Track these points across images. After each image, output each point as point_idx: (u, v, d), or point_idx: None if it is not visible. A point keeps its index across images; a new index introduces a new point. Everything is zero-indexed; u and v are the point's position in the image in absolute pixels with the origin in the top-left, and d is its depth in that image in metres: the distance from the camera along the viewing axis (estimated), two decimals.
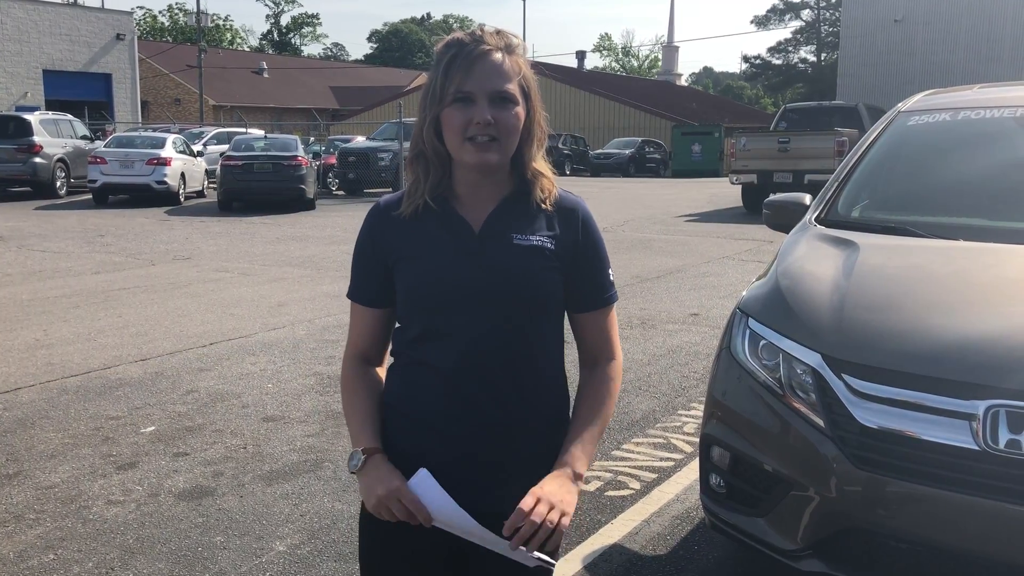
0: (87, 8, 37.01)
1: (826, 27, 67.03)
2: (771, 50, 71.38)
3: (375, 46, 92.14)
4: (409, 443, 1.70)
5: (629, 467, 4.51)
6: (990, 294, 2.92)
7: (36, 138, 19.88)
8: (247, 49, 75.95)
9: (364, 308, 1.79)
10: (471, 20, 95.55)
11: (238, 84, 51.82)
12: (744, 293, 3.30)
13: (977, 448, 2.40)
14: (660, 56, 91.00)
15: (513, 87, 1.65)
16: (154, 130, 25.89)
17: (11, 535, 3.69)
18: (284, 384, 5.91)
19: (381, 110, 46.28)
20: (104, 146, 20.64)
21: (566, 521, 1.59)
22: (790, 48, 69.91)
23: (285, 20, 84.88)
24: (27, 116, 20.93)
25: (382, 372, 1.83)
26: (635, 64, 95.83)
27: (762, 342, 2.95)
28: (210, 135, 27.78)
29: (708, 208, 19.49)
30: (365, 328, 1.80)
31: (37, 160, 19.83)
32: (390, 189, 21.15)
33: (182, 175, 20.06)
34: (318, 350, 6.79)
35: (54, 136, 20.67)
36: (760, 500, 2.86)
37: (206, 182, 21.91)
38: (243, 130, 27.33)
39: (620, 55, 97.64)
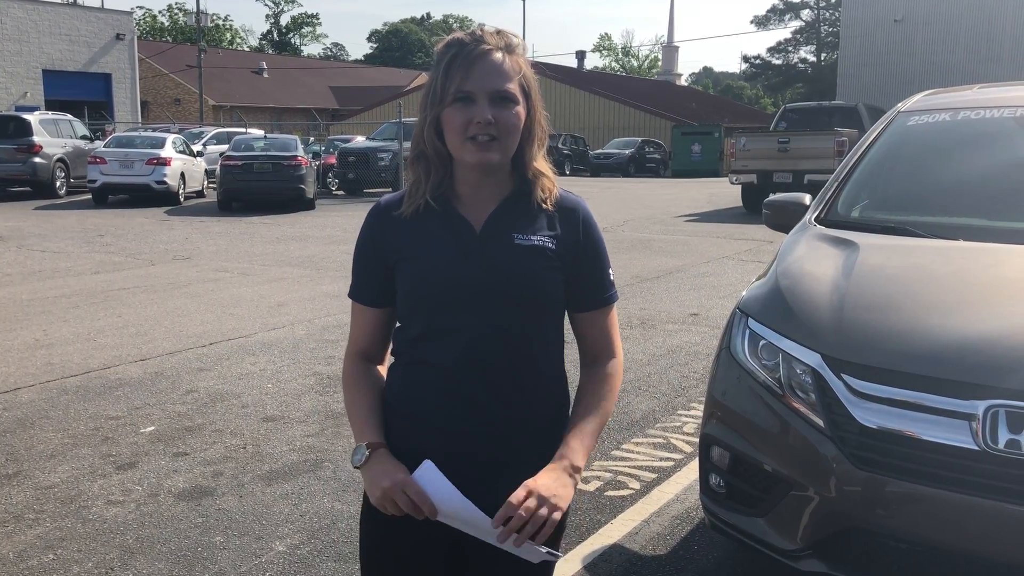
0: (87, 8, 37.01)
1: (826, 27, 67.07)
2: (771, 50, 71.52)
3: (375, 46, 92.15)
4: (410, 442, 1.70)
5: (629, 467, 4.51)
6: (990, 294, 2.92)
7: (36, 138, 19.89)
8: (247, 49, 75.97)
9: (365, 307, 1.79)
10: (471, 20, 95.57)
11: (238, 84, 51.82)
12: (744, 293, 3.30)
13: (977, 448, 2.40)
14: (660, 56, 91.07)
15: (513, 86, 1.65)
16: (154, 130, 25.89)
17: (11, 535, 3.69)
18: (284, 384, 5.91)
19: (381, 110, 46.29)
20: (104, 146, 20.65)
21: (557, 515, 1.58)
22: (790, 48, 69.98)
23: (285, 20, 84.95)
24: (27, 116, 20.93)
25: (383, 370, 1.83)
26: (635, 64, 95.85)
27: (762, 342, 2.95)
28: (210, 135, 27.79)
29: (708, 208, 19.50)
30: (366, 327, 1.80)
31: (37, 160, 19.84)
32: (390, 189, 21.15)
33: (182, 175, 20.07)
34: (318, 350, 6.79)
35: (54, 136, 20.68)
36: (760, 500, 2.86)
37: (206, 182, 21.92)
38: (243, 130, 27.35)
39: (620, 55, 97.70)
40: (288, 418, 5.21)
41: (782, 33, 73.22)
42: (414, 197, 1.72)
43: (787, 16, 69.42)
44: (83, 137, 22.41)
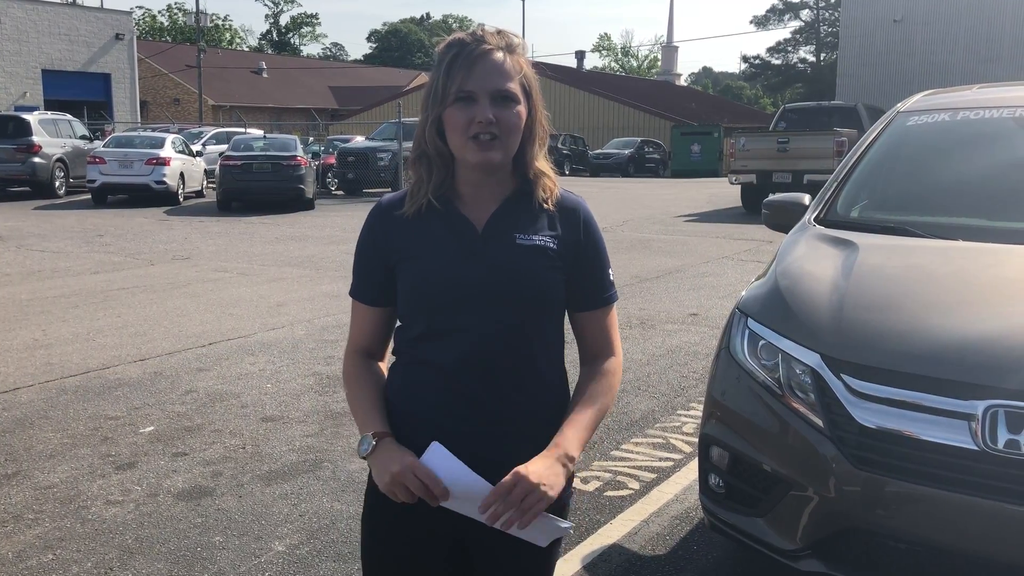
0: (86, 8, 36.96)
1: (825, 27, 67.09)
2: (770, 50, 71.54)
3: (374, 46, 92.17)
4: (410, 441, 1.70)
5: (628, 467, 4.51)
6: (989, 294, 2.92)
7: (35, 138, 19.89)
8: (246, 49, 75.93)
9: (366, 307, 1.80)
10: (471, 20, 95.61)
11: (237, 84, 51.80)
12: (743, 293, 3.30)
13: (976, 448, 2.40)
14: (659, 56, 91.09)
15: (514, 86, 1.65)
16: (153, 130, 25.89)
17: (10, 535, 3.68)
18: (283, 384, 5.91)
19: (380, 110, 46.28)
20: (103, 146, 20.65)
21: (541, 505, 1.57)
22: (789, 48, 70.00)
23: (284, 20, 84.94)
24: (26, 116, 20.93)
25: (384, 367, 1.83)
26: (634, 64, 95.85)
27: (761, 342, 2.95)
28: (209, 135, 27.79)
29: (707, 208, 19.50)
30: (367, 326, 1.81)
31: (36, 160, 19.84)
32: (389, 189, 21.15)
33: (181, 175, 20.07)
34: (317, 350, 6.79)
35: (53, 136, 20.68)
36: (759, 500, 2.86)
37: (205, 182, 21.92)
38: (242, 130, 27.34)
39: (619, 55, 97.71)
40: (287, 418, 5.21)
41: (781, 33, 73.21)
42: (416, 197, 1.72)
43: (786, 16, 69.49)
44: (82, 137, 22.40)
